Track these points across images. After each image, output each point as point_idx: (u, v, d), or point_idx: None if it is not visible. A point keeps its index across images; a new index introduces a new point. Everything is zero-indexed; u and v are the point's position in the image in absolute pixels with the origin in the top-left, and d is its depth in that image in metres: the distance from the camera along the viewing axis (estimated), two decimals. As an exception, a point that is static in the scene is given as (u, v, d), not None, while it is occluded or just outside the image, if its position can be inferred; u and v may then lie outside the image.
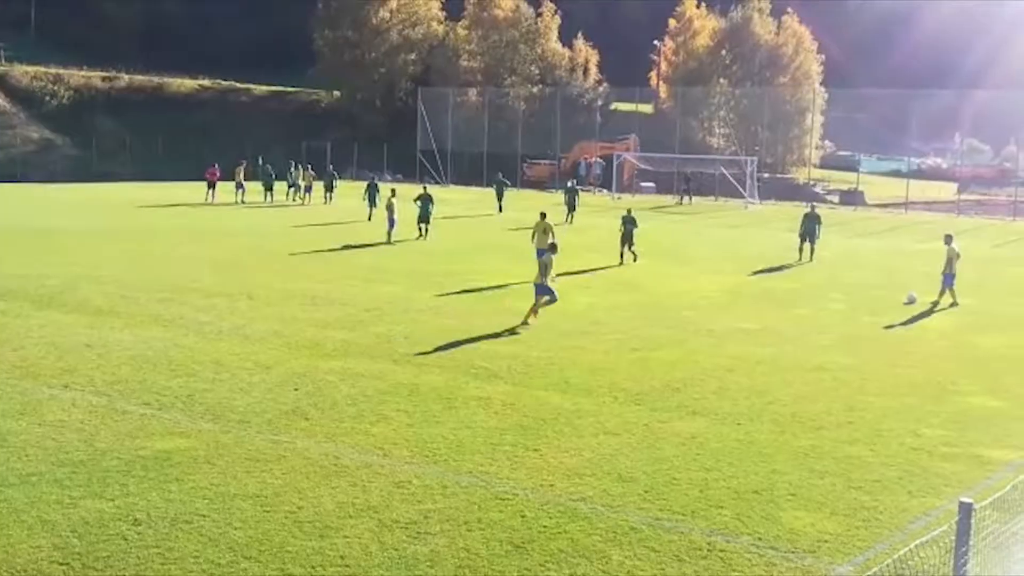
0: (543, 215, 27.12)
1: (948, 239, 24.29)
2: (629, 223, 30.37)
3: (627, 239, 30.17)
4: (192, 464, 11.35)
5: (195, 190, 53.45)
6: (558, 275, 22.23)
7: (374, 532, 9.59)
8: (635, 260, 30.06)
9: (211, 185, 52.30)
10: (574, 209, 44.36)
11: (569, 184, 47.74)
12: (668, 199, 63.02)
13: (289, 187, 53.83)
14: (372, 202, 42.44)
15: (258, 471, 11.17)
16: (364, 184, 44.60)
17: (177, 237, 34.74)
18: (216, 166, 53.43)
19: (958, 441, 12.88)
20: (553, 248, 21.91)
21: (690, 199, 60.45)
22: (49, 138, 75.19)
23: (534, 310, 20.32)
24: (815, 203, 38.54)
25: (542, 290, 20.39)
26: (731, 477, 11.34)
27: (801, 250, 32.21)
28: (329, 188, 52.55)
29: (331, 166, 56.81)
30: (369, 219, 41.11)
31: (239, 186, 51.82)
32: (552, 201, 54.24)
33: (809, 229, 32.32)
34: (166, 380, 14.99)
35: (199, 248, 31.70)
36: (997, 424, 13.78)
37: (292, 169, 55.16)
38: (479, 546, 9.33)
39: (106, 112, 78.46)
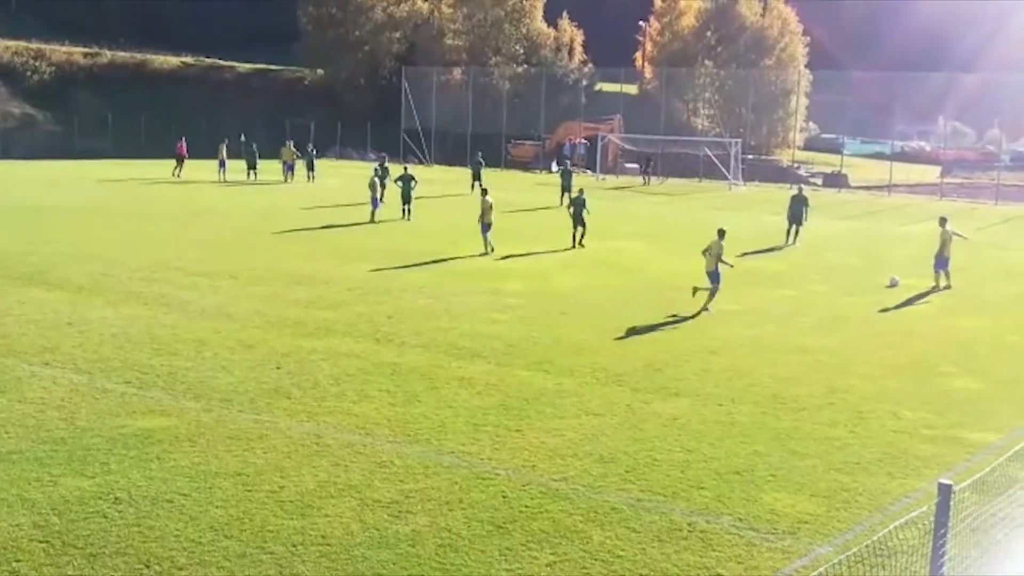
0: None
1: (943, 221, 24.36)
2: (579, 204, 29.97)
3: (578, 220, 29.66)
4: (173, 443, 11.32)
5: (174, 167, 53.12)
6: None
7: (355, 511, 9.59)
8: (581, 243, 29.39)
9: (179, 160, 52.57)
10: (569, 190, 43.61)
11: (563, 167, 47.29)
12: (653, 180, 63.01)
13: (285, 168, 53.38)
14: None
15: (240, 450, 11.15)
16: (354, 165, 43.26)
17: (159, 215, 34.54)
18: (183, 140, 53.70)
19: (939, 423, 12.96)
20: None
21: (648, 180, 59.52)
22: (30, 114, 74.50)
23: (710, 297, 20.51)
24: (802, 185, 38.52)
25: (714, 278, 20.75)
26: (712, 458, 11.38)
27: (788, 232, 32.25)
28: (310, 167, 52.29)
29: (311, 145, 56.48)
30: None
31: (222, 164, 51.62)
32: (535, 181, 54.25)
33: (796, 211, 32.30)
34: (148, 358, 14.93)
35: (181, 227, 31.53)
36: (978, 406, 13.87)
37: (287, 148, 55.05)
38: (460, 526, 9.34)
39: (88, 89, 77.76)
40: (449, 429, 12.11)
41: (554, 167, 68.41)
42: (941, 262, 23.77)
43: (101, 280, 21.48)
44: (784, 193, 57.95)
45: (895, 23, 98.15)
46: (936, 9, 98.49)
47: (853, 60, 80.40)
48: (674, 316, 19.60)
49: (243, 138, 56.38)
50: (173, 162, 53.76)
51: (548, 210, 40.00)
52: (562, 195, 43.05)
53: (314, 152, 54.48)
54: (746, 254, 29.20)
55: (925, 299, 22.61)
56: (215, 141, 54.40)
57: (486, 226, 27.68)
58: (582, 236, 29.63)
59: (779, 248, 31.13)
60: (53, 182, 47.63)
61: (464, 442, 11.66)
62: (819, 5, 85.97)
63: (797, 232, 32.11)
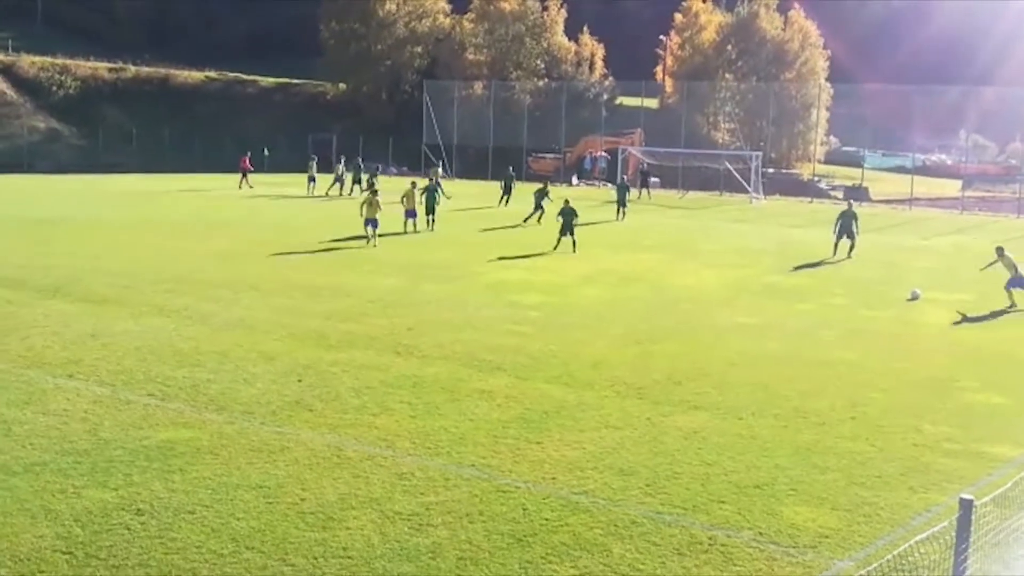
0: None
1: (1000, 251, 24.39)
2: (568, 214, 31.13)
3: (567, 229, 31.01)
4: (195, 454, 11.38)
5: (201, 181, 53.68)
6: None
7: (376, 524, 9.61)
8: (574, 250, 30.67)
9: (244, 174, 54.85)
10: (624, 204, 43.32)
11: (621, 181, 47.03)
12: (673, 193, 62.99)
13: (335, 181, 54.02)
14: (430, 209, 36.38)
15: (261, 462, 11.20)
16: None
17: (182, 228, 34.78)
18: (248, 155, 56.04)
19: (960, 437, 12.88)
20: (412, 213, 33.86)
21: (649, 194, 58.77)
22: (56, 128, 75.30)
23: None
24: (852, 200, 38.48)
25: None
26: (733, 471, 11.35)
27: (836, 247, 32.14)
28: (356, 180, 52.90)
29: (359, 158, 57.33)
30: (411, 228, 35.58)
31: (312, 179, 53.25)
32: (557, 195, 54.18)
33: (846, 226, 32.23)
34: (170, 370, 15.03)
35: (204, 239, 31.73)
36: (999, 420, 13.78)
37: (339, 164, 56.25)
38: (481, 539, 9.35)
39: (112, 103, 78.57)
40: (469, 441, 12.13)
41: (575, 180, 68.58)
42: (1015, 282, 23.70)
43: (124, 292, 21.65)
44: (804, 206, 57.87)
45: (910, 35, 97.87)
46: (951, 21, 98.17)
47: (868, 72, 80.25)
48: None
49: (265, 151, 57.11)
50: (199, 175, 54.68)
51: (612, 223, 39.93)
52: (618, 209, 42.91)
53: (360, 166, 55.34)
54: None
55: (944, 312, 22.49)
56: (239, 154, 55.22)
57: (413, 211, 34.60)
58: (574, 244, 30.78)
59: (826, 262, 31.00)
60: (77, 195, 48.06)
61: (484, 454, 11.68)
62: (835, 16, 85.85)
63: (852, 246, 32.01)
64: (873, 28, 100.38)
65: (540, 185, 43.89)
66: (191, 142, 70.71)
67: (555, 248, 31.16)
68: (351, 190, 52.20)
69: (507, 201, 48.29)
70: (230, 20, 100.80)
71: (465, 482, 10.78)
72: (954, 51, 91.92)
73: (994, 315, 22.59)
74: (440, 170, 56.83)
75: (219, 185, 56.56)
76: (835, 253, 31.98)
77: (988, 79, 74.05)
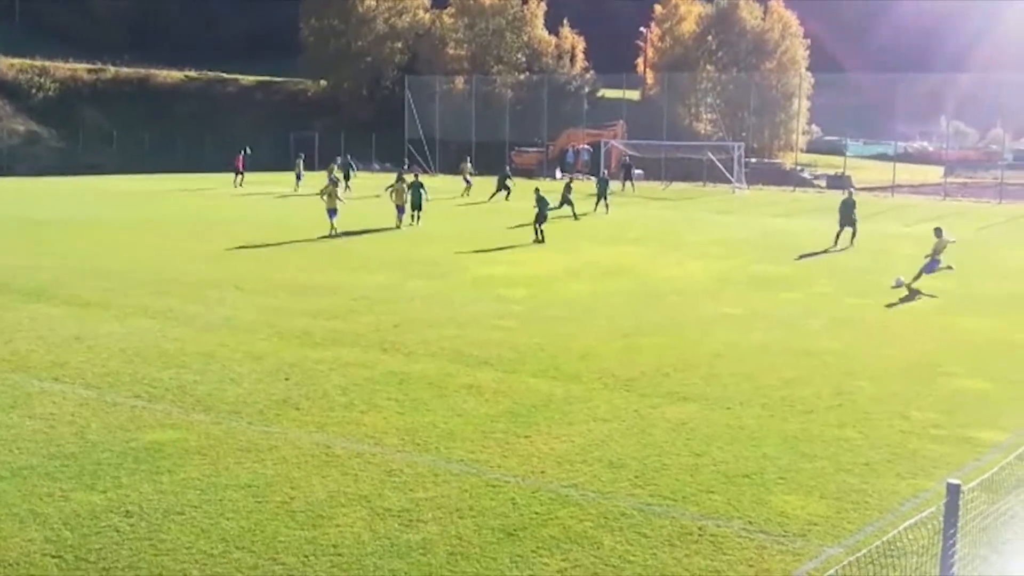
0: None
1: (938, 231, 24.56)
2: (541, 203, 32.01)
3: (541, 218, 31.82)
4: (183, 455, 11.35)
5: (181, 181, 53.49)
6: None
7: (366, 521, 9.61)
8: (542, 240, 31.49)
9: (238, 172, 55.45)
10: (604, 198, 43.25)
11: (600, 174, 47.22)
12: (656, 185, 63.10)
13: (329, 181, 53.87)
14: (416, 205, 36.49)
15: (250, 462, 11.17)
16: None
17: (165, 228, 34.65)
18: (243, 154, 56.63)
19: (947, 423, 12.96)
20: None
21: (632, 186, 58.79)
22: (35, 131, 74.86)
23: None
24: (851, 189, 38.69)
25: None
26: (721, 462, 11.39)
27: (839, 236, 32.21)
28: (347, 177, 53.06)
29: (348, 155, 57.52)
30: (405, 223, 36.34)
31: (299, 177, 53.71)
32: (541, 188, 54.21)
33: (847, 215, 32.39)
34: (157, 372, 14.98)
35: (187, 239, 31.61)
36: (985, 406, 13.87)
37: (338, 163, 56.57)
38: (471, 533, 9.36)
39: (92, 104, 78.15)
40: (458, 437, 12.13)
41: (558, 174, 68.59)
42: (930, 265, 23.98)
43: (108, 294, 21.55)
44: (787, 195, 58.09)
45: (884, 23, 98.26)
46: (924, 8, 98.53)
47: (846, 61, 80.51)
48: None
49: (245, 150, 57.13)
50: (180, 175, 54.64)
51: (559, 219, 40.01)
52: (597, 203, 42.96)
53: (351, 163, 55.72)
54: (782, 258, 29.19)
55: (928, 299, 22.61)
56: (220, 153, 55.25)
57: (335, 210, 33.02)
58: (540, 233, 31.77)
59: (827, 251, 31.17)
60: (58, 198, 47.81)
61: (473, 449, 11.68)
62: (812, 5, 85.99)
63: (853, 234, 32.16)
64: (849, 16, 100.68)
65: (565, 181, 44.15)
66: (172, 142, 70.39)
67: (534, 241, 31.50)
68: (346, 187, 52.37)
69: (507, 196, 48.44)
70: (210, 19, 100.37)
71: (454, 477, 10.78)
72: (930, 38, 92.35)
73: (902, 294, 22.93)
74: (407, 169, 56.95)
75: (202, 185, 56.37)
76: (836, 243, 31.94)
77: (963, 65, 74.38)
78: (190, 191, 51.57)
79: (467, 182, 53.75)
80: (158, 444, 11.70)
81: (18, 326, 18.11)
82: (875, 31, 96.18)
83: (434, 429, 12.41)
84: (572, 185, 41.39)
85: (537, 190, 33.09)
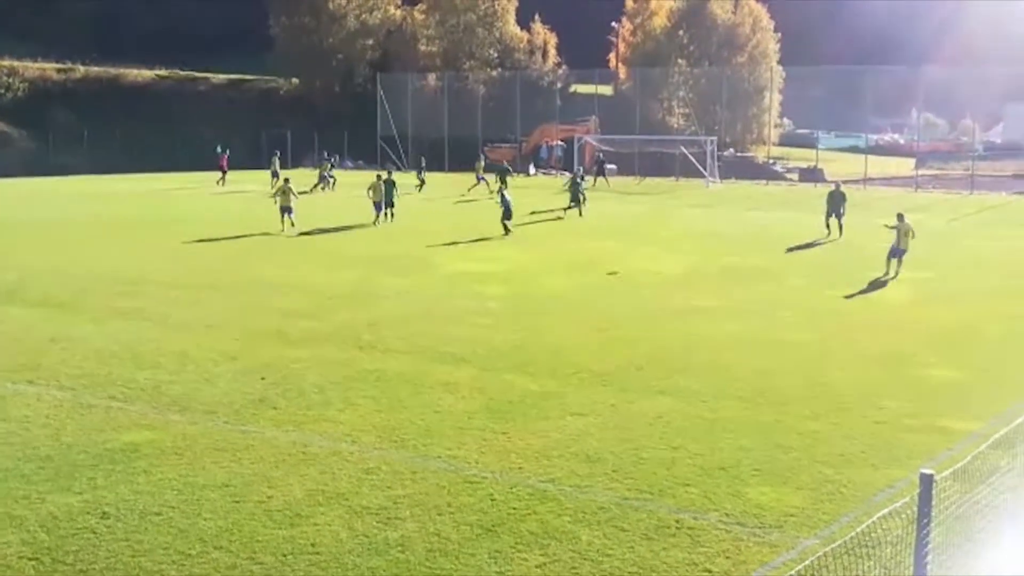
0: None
1: (900, 216, 25.00)
2: (505, 200, 32.61)
3: (507, 215, 32.47)
4: (160, 456, 11.31)
5: (153, 180, 53.16)
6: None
7: (344, 519, 9.62)
8: (507, 232, 32.21)
9: (223, 172, 55.76)
10: (577, 201, 40.85)
11: (576, 176, 46.34)
12: (630, 180, 63.21)
13: (320, 179, 54.39)
14: (388, 202, 36.32)
15: (226, 461, 11.15)
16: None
17: (137, 228, 34.40)
18: (227, 153, 56.85)
19: (920, 413, 13.09)
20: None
21: (607, 180, 57.74)
22: (4, 131, 74.00)
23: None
24: (839, 182, 39.11)
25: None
26: (697, 454, 11.46)
27: (828, 226, 32.84)
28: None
29: (325, 153, 57.63)
30: (380, 220, 36.22)
31: (274, 175, 53.18)
32: (514, 184, 54.26)
33: (834, 207, 33.03)
34: (131, 373, 14.90)
35: (159, 238, 31.40)
36: (957, 395, 14.02)
37: (325, 160, 57.07)
38: (449, 530, 9.38)
39: (62, 104, 77.31)
40: (435, 434, 12.15)
41: (531, 170, 68.58)
42: (896, 252, 24.42)
43: (81, 296, 21.41)
44: (760, 188, 58.38)
45: (853, 14, 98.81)
46: (883, 5, 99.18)
47: (815, 52, 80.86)
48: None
49: (219, 149, 57.03)
50: (152, 175, 54.35)
51: (534, 214, 40.07)
52: (569, 206, 42.20)
53: (330, 160, 56.33)
54: (755, 250, 29.35)
55: (900, 289, 22.81)
56: (191, 152, 55.04)
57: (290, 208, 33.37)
58: (506, 228, 32.42)
59: (820, 242, 31.59)
60: (29, 199, 47.36)
61: (450, 446, 11.70)
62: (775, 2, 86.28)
63: (840, 225, 32.71)
64: (816, 8, 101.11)
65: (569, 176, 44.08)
66: (142, 141, 69.82)
67: (506, 232, 32.03)
68: (331, 186, 53.35)
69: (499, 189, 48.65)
70: (176, 17, 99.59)
71: (432, 474, 10.80)
72: (896, 30, 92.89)
73: (875, 285, 23.24)
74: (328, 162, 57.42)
75: (173, 184, 55.99)
76: (829, 232, 32.67)
77: (931, 55, 74.87)
78: (161, 190, 51.21)
79: (421, 180, 53.80)
80: (134, 445, 11.66)
81: (-10, 328, 17.98)
82: (843, 22, 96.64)
83: (411, 426, 12.43)
84: (580, 181, 41.03)
85: (501, 188, 33.99)
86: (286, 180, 35.32)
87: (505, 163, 53.61)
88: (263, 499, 10.09)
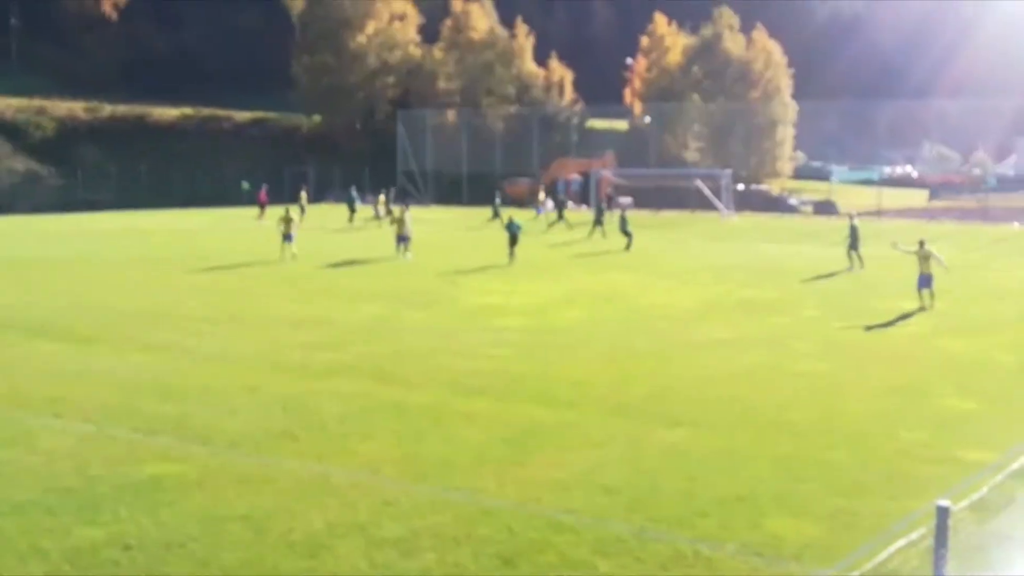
0: (287, 210, 37.04)
1: (921, 243, 25.04)
2: (513, 227, 34.85)
3: (513, 242, 34.54)
4: (182, 488, 11.43)
5: (178, 217, 53.69)
6: None
7: (364, 550, 9.69)
8: (511, 257, 34.20)
9: (262, 206, 56.89)
10: (601, 224, 45.18)
11: (601, 205, 48.26)
12: (646, 213, 63.34)
13: (375, 214, 55.82)
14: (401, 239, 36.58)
15: (248, 493, 11.26)
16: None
17: (161, 264, 34.71)
18: (265, 188, 58.39)
19: (936, 444, 13.10)
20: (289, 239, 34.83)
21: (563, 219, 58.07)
22: (34, 169, 74.97)
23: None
24: (853, 213, 39.27)
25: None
26: (714, 485, 11.50)
27: (850, 258, 33.11)
28: (352, 210, 55.08)
29: (353, 188, 58.85)
30: (402, 253, 36.51)
31: (302, 209, 54.92)
32: (530, 218, 54.55)
33: (854, 240, 33.31)
34: (155, 405, 15.07)
35: (182, 273, 31.71)
36: (974, 426, 14.02)
37: (388, 195, 58.99)
38: (468, 561, 9.45)
39: (90, 142, 78.41)
40: (454, 465, 12.24)
41: (549, 204, 68.83)
42: (924, 281, 24.39)
43: (106, 329, 21.66)
44: (775, 221, 58.44)
45: (850, 43, 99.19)
46: (891, 30, 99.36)
47: (815, 80, 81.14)
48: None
49: (244, 185, 58.28)
50: (178, 211, 55.12)
51: (552, 246, 40.31)
52: (593, 228, 44.53)
53: (354, 196, 57.36)
54: (807, 280, 29.39)
55: (914, 321, 22.81)
56: (217, 189, 55.91)
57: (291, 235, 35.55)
58: (512, 255, 34.36)
59: (836, 274, 31.78)
60: (57, 235, 47.91)
61: (470, 477, 11.78)
62: (789, 32, 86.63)
63: (858, 256, 33.07)
64: (816, 40, 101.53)
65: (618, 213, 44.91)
66: (168, 178, 70.73)
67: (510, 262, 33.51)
68: (381, 212, 54.92)
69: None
70: (204, 56, 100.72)
71: (451, 506, 10.88)
72: (896, 61, 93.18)
73: (891, 316, 23.18)
74: (383, 195, 58.64)
75: (198, 221, 56.50)
76: (851, 264, 33.00)
77: (933, 88, 75.07)
78: (185, 227, 51.66)
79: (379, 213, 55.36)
80: (157, 477, 11.79)
81: (18, 362, 18.23)
82: (848, 54, 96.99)
83: (431, 458, 12.52)
84: (626, 216, 41.77)
85: (511, 218, 35.74)
86: (287, 210, 37.20)
87: (561, 196, 54.56)
88: (284, 531, 10.18)
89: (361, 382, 16.66)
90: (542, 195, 59.14)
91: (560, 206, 53.14)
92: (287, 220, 35.73)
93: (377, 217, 54.98)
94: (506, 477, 11.79)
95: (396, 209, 38.43)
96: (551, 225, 50.60)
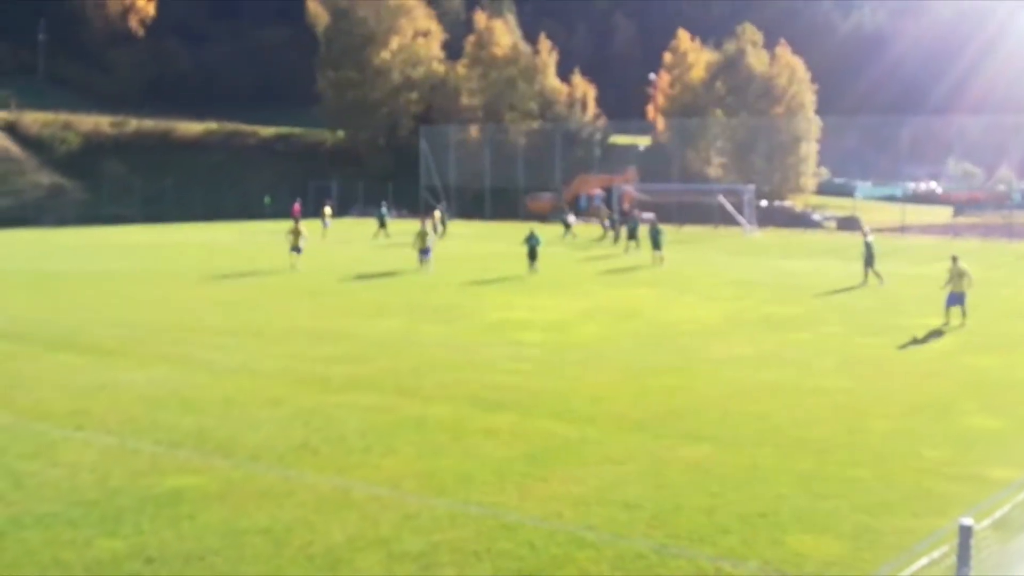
0: (297, 222, 39.02)
1: (954, 259, 24.96)
2: (532, 240, 36.26)
3: (532, 255, 36.01)
4: (204, 501, 11.48)
5: (202, 231, 54.01)
6: None
7: (384, 564, 9.70)
8: (531, 269, 35.65)
9: (296, 220, 56.51)
10: (635, 237, 45.97)
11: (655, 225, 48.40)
12: (669, 228, 63.33)
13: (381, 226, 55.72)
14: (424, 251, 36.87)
15: (269, 506, 11.29)
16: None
17: (183, 277, 34.92)
18: (299, 202, 59.90)
19: (960, 461, 13.00)
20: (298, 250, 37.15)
21: (608, 235, 56.80)
22: (59, 183, 75.86)
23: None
24: (867, 228, 39.31)
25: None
26: (736, 502, 11.45)
27: (865, 274, 33.07)
28: (382, 225, 54.89)
29: (384, 203, 59.26)
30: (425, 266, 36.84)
31: (325, 223, 55.99)
32: (554, 232, 54.60)
33: (869, 256, 33.29)
34: (177, 418, 15.15)
35: (205, 287, 31.92)
36: (998, 444, 13.91)
37: (441, 210, 59.57)
38: (489, 576, 9.45)
39: (114, 156, 79.29)
40: (475, 480, 12.23)
41: (571, 219, 68.94)
42: (953, 299, 24.17)
43: (128, 343, 21.81)
44: (799, 236, 58.28)
45: (874, 60, 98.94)
46: (910, 53, 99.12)
47: (837, 97, 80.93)
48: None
49: (266, 200, 58.75)
50: (201, 224, 55.70)
51: (576, 261, 40.27)
52: (628, 240, 45.43)
53: (384, 212, 57.36)
54: (792, 298, 29.33)
55: (938, 338, 22.67)
56: (240, 203, 56.32)
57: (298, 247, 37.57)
58: (534, 267, 35.74)
59: (856, 289, 31.69)
60: (81, 248, 48.32)
61: (490, 492, 11.77)
62: (813, 49, 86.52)
63: (876, 273, 32.97)
64: (839, 57, 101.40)
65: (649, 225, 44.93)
66: (192, 193, 71.35)
67: (529, 272, 35.05)
68: (384, 233, 54.66)
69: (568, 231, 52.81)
70: (229, 72, 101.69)
71: (472, 520, 10.87)
72: (919, 77, 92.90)
73: (915, 333, 23.06)
74: (438, 211, 58.65)
75: (221, 235, 56.84)
76: (866, 279, 32.87)
77: (955, 104, 74.79)
78: (207, 242, 51.99)
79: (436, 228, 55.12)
80: (178, 490, 11.84)
81: (41, 375, 18.37)
82: (871, 70, 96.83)
83: (451, 472, 12.52)
84: (660, 228, 41.87)
85: (532, 231, 37.02)
86: (296, 222, 39.38)
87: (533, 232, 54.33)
88: (304, 544, 10.20)
89: (382, 396, 16.69)
90: (605, 212, 59.71)
91: (614, 223, 54.46)
92: (296, 232, 37.64)
93: (434, 231, 54.95)
94: (527, 492, 11.78)
95: (429, 222, 39.21)
96: (613, 242, 51.55)
